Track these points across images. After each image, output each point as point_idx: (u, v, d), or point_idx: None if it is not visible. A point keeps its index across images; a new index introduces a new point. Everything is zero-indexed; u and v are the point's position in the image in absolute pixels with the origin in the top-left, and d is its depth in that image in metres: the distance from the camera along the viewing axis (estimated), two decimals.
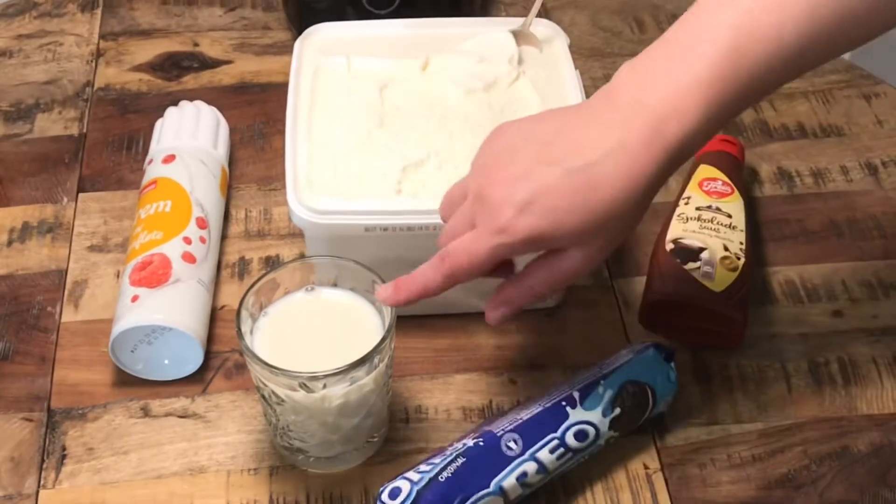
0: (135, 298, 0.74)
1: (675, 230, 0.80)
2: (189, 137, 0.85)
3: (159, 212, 0.79)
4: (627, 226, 0.60)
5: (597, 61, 1.00)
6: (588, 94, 0.80)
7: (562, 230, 0.58)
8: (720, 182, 0.83)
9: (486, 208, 0.60)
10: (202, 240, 0.79)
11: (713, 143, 0.86)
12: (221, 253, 0.83)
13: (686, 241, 0.78)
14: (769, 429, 0.74)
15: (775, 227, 0.86)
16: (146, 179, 0.83)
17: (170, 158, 0.83)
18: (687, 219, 0.80)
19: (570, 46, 0.83)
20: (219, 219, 0.83)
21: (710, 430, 0.73)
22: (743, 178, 0.86)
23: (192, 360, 0.75)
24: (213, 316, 0.79)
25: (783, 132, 0.94)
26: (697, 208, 0.81)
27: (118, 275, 0.82)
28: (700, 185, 0.83)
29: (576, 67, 0.81)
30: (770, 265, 0.84)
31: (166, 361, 0.75)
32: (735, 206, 0.81)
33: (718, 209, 0.80)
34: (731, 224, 0.80)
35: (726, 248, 0.78)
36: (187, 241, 0.77)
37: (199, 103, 0.90)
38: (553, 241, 0.59)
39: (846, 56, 1.11)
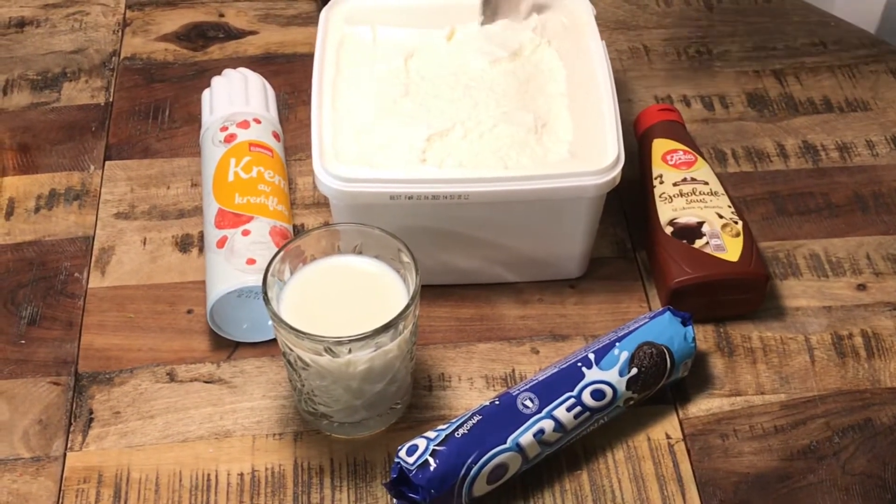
0: (251, 262, 0.74)
1: (665, 212, 0.78)
2: (251, 104, 0.87)
3: (276, 184, 0.80)
4: None
5: (622, 34, 1.00)
6: (614, 67, 0.80)
7: None
8: (681, 152, 0.82)
9: None
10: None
11: (655, 115, 0.86)
12: None
13: (682, 221, 0.77)
14: (792, 400, 0.74)
15: (800, 200, 0.86)
16: (251, 137, 0.83)
17: (253, 122, 0.84)
18: (670, 197, 0.79)
19: (596, 18, 0.83)
20: None
21: (732, 401, 0.74)
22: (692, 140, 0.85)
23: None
24: None
25: (809, 106, 0.94)
26: (675, 184, 0.80)
27: (144, 242, 0.82)
28: (664, 159, 0.82)
29: (601, 39, 0.81)
30: (795, 238, 0.83)
31: (245, 325, 0.76)
32: (705, 171, 0.81)
33: (693, 179, 0.80)
34: (711, 190, 0.79)
35: (720, 216, 0.77)
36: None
37: (245, 70, 0.90)
38: None
39: (872, 30, 1.10)
